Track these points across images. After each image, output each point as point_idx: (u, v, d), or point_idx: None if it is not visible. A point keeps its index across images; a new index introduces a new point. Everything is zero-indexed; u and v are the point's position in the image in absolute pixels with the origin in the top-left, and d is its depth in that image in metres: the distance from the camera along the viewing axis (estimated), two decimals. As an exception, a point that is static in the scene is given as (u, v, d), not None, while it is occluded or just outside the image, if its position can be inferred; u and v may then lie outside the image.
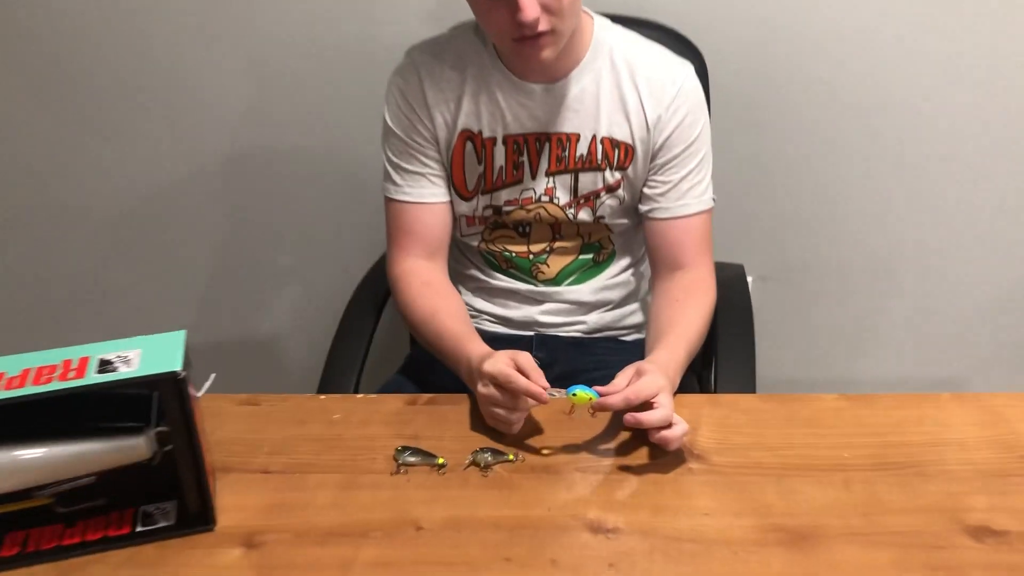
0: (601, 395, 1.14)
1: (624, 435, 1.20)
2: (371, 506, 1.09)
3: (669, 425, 1.13)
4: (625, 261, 1.52)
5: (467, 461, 1.16)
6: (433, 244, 1.41)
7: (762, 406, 1.26)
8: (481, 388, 1.19)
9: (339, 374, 1.44)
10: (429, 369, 1.40)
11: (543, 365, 1.49)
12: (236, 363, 2.19)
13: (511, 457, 1.17)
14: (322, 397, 1.31)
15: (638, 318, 1.56)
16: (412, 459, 1.16)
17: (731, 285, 1.67)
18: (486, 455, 1.16)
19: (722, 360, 1.46)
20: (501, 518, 1.07)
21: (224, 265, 2.13)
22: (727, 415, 1.24)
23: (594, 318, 1.52)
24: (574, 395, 1.15)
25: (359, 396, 1.31)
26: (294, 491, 1.12)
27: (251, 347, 2.22)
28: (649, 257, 1.46)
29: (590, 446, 1.19)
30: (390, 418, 1.25)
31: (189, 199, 2.05)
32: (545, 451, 1.18)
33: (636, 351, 1.50)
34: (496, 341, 1.50)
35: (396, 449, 1.18)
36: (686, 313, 1.35)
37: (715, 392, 1.41)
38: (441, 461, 1.16)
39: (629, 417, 1.13)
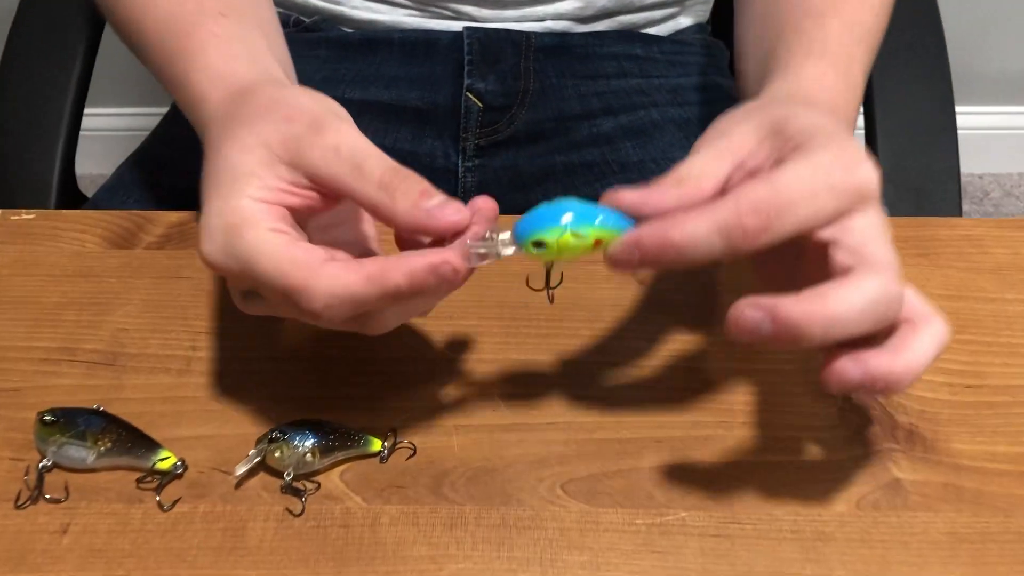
0: (639, 215, 0.35)
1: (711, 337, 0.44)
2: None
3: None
4: None
5: (244, 466, 0.39)
6: None
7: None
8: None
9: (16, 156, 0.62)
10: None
11: (489, 110, 0.64)
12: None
13: (376, 447, 0.40)
14: None
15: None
16: (76, 453, 0.40)
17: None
18: (301, 444, 0.39)
19: (882, 100, 0.65)
20: None
21: None
22: (969, 285, 0.47)
23: (599, -17, 0.67)
24: (536, 245, 0.35)
25: (-12, 217, 0.50)
26: None
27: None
28: None
29: (607, 392, 0.42)
30: (56, 295, 0.46)
31: None
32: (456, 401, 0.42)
33: (687, 61, 0.69)
34: (376, 49, 0.68)
35: (39, 421, 0.40)
36: None
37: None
38: (167, 460, 0.39)
39: (755, 316, 0.33)
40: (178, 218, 0.49)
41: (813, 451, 0.40)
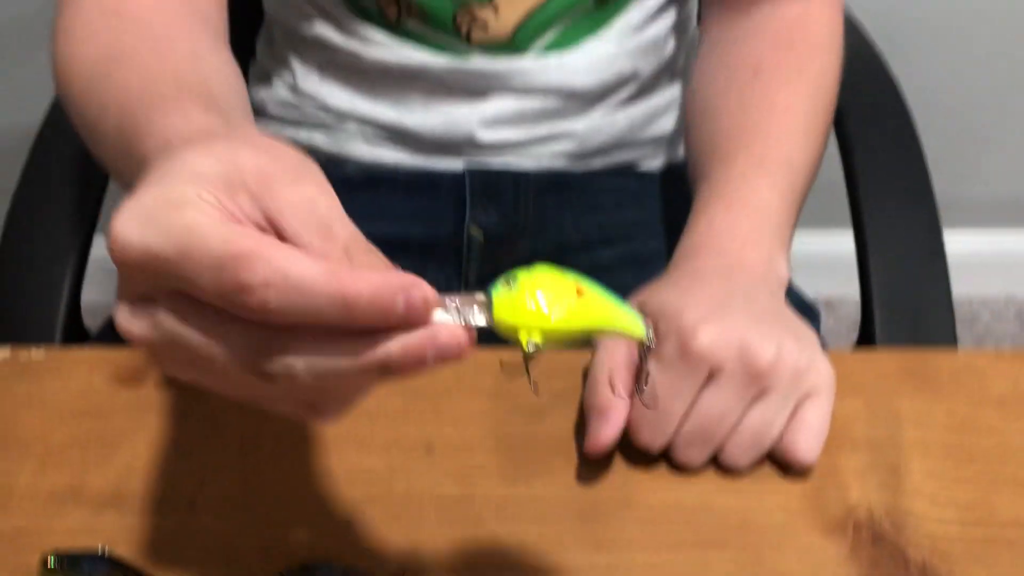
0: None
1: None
2: None
3: None
4: (656, -3, 0.69)
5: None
6: None
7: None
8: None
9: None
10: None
11: (490, 242, 0.67)
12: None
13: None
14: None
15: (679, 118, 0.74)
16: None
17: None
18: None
19: (872, 225, 0.67)
20: None
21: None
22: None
23: (595, 122, 0.69)
24: (508, 281, 0.32)
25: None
26: None
27: None
28: None
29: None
30: (63, 434, 0.46)
31: None
32: None
33: (681, 194, 0.71)
34: (378, 186, 0.70)
35: (41, 566, 0.39)
36: (786, 100, 0.56)
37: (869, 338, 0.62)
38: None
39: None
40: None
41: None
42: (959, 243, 1.49)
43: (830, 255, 0.74)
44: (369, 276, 0.29)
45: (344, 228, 0.31)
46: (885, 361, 0.50)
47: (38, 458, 0.45)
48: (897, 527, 0.42)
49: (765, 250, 0.50)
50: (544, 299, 0.31)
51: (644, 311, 0.44)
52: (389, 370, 0.30)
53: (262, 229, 0.31)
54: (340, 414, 0.32)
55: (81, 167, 0.67)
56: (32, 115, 0.73)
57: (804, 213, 0.55)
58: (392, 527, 0.42)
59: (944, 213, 1.52)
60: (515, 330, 0.31)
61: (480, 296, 0.31)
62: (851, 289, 0.68)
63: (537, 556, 0.41)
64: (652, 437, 0.43)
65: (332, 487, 0.44)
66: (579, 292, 0.32)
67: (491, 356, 0.49)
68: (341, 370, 0.30)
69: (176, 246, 0.29)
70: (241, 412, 0.47)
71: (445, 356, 0.29)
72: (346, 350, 0.30)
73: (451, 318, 0.30)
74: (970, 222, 1.49)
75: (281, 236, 0.31)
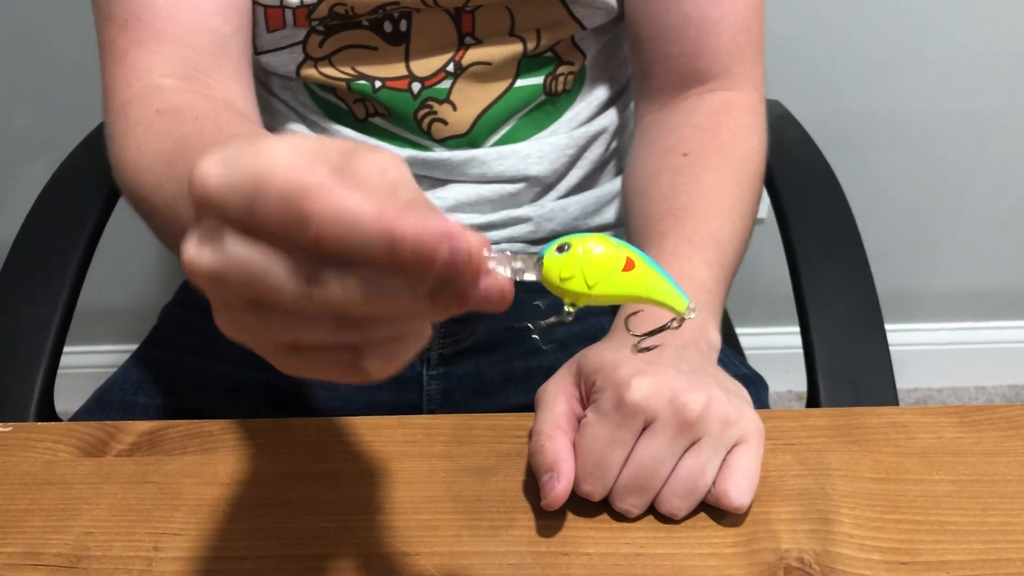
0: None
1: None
2: None
3: None
4: (602, 92, 0.74)
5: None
6: (196, 47, 0.59)
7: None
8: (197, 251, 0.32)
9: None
10: (193, 352, 0.60)
11: (450, 322, 0.71)
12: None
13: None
14: None
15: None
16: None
17: (779, 135, 0.85)
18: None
19: (812, 297, 0.70)
20: None
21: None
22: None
23: (548, 209, 0.74)
24: (560, 248, 0.33)
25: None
26: None
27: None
28: (636, 65, 0.70)
29: None
30: (25, 502, 0.48)
31: None
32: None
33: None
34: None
35: (-5, 623, 0.41)
36: (712, 182, 0.61)
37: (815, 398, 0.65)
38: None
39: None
40: (149, 427, 0.52)
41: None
42: (927, 335, 1.53)
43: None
44: (418, 218, 0.29)
45: (408, 191, 0.32)
46: (816, 418, 0.52)
47: (-1, 526, 0.46)
48: (826, 572, 0.44)
49: (717, 328, 0.53)
50: (590, 271, 0.33)
51: (583, 366, 0.47)
52: (441, 301, 0.30)
53: None
54: (385, 370, 0.32)
55: (55, 266, 0.71)
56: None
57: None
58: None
59: (910, 307, 1.55)
60: (560, 292, 0.33)
61: (532, 254, 0.33)
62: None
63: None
64: (593, 486, 0.45)
65: (283, 548, 0.45)
66: (629, 264, 0.33)
67: (443, 421, 0.52)
68: (395, 288, 0.30)
69: (250, 179, 0.30)
70: (196, 479, 0.48)
71: (489, 297, 0.30)
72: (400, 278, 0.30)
73: (502, 269, 0.31)
74: (933, 316, 1.53)
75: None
